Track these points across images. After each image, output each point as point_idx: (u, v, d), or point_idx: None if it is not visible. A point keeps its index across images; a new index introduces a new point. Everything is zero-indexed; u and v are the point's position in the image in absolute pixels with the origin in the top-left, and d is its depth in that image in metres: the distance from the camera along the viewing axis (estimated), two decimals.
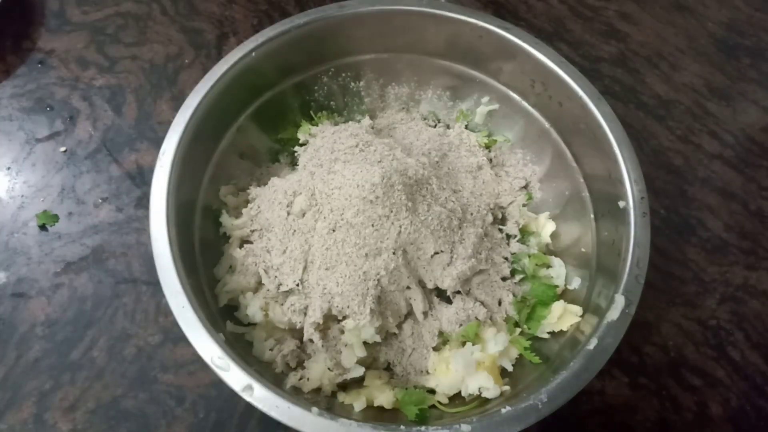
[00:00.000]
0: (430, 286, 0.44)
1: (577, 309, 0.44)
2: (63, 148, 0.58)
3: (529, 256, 0.48)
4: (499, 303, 0.46)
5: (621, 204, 0.43)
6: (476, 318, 0.45)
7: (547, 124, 0.51)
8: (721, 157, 0.61)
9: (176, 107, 0.44)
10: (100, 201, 0.55)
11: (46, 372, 0.48)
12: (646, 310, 0.52)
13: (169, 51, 0.64)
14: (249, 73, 0.47)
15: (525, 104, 0.52)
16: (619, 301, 0.39)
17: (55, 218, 0.54)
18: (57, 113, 0.60)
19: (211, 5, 0.69)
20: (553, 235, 0.51)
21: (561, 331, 0.44)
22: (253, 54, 0.47)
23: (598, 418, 0.48)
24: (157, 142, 0.45)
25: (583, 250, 0.48)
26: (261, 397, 0.35)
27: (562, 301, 0.45)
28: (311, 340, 0.43)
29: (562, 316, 0.44)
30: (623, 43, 0.69)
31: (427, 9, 0.49)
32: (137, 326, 0.49)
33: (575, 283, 0.47)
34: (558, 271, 0.48)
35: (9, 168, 0.57)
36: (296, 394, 0.38)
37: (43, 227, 0.54)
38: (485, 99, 0.54)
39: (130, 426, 0.46)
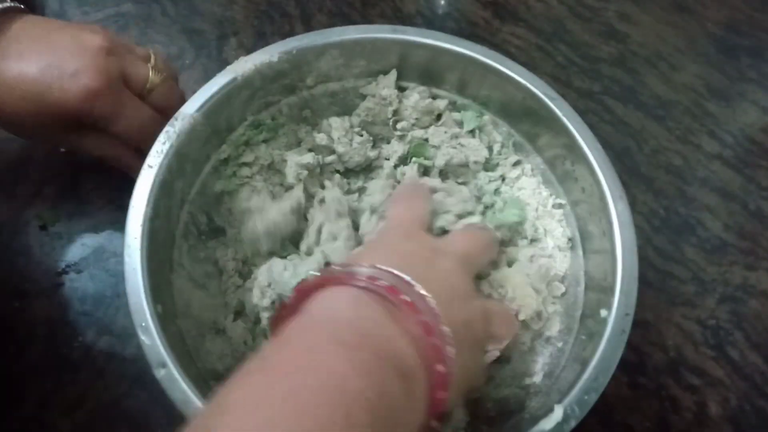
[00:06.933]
0: None
1: None
2: (63, 148, 0.58)
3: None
4: None
5: (603, 313, 0.39)
6: None
7: (569, 207, 0.48)
8: (720, 158, 0.61)
9: None
10: (100, 201, 0.55)
11: (46, 372, 0.48)
12: (646, 310, 0.52)
13: (169, 51, 0.64)
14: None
15: (552, 176, 0.49)
16: (558, 412, 0.36)
17: (56, 218, 0.54)
18: None
19: (211, 6, 0.69)
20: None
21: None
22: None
23: (598, 418, 0.48)
24: None
25: (559, 344, 0.44)
26: None
27: None
28: None
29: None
30: (623, 43, 0.69)
31: (489, 61, 0.47)
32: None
33: (536, 378, 0.43)
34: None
35: (10, 168, 0.57)
36: None
37: (43, 227, 0.54)
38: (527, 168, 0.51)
39: (131, 426, 0.46)
